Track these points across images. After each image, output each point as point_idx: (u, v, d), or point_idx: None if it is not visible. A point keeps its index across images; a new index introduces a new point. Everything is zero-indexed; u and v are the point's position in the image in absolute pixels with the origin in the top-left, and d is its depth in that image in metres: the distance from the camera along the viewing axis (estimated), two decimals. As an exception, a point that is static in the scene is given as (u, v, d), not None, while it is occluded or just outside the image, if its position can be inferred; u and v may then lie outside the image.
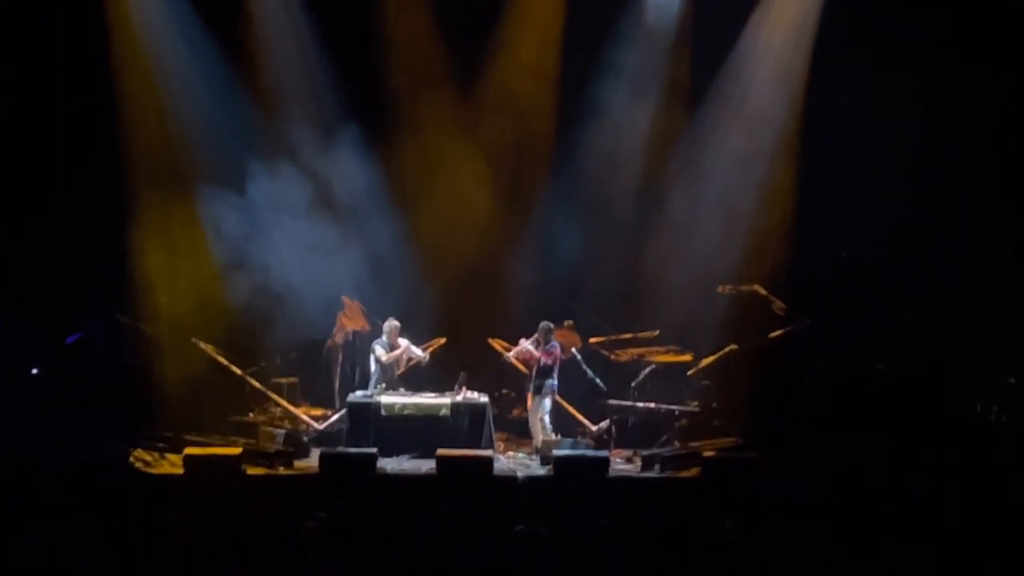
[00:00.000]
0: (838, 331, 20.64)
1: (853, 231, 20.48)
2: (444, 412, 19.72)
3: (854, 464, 17.94)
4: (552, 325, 20.24)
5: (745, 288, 21.62)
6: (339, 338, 22.04)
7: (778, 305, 21.42)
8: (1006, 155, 20.34)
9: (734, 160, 21.59)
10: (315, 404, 21.94)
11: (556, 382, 20.09)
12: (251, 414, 21.23)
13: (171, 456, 18.73)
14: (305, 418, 21.01)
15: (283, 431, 19.94)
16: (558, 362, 20.13)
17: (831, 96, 20.68)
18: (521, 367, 20.72)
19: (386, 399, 19.79)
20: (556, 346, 20.18)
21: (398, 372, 20.66)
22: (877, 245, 20.50)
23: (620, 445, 20.17)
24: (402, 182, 21.87)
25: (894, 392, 20.05)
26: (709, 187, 21.61)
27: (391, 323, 20.45)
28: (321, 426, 20.80)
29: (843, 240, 20.70)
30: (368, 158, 21.70)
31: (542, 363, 19.94)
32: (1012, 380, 20.12)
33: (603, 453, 18.87)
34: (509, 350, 21.02)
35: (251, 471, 18.12)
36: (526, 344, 20.06)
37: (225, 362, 21.00)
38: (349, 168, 21.59)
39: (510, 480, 18.13)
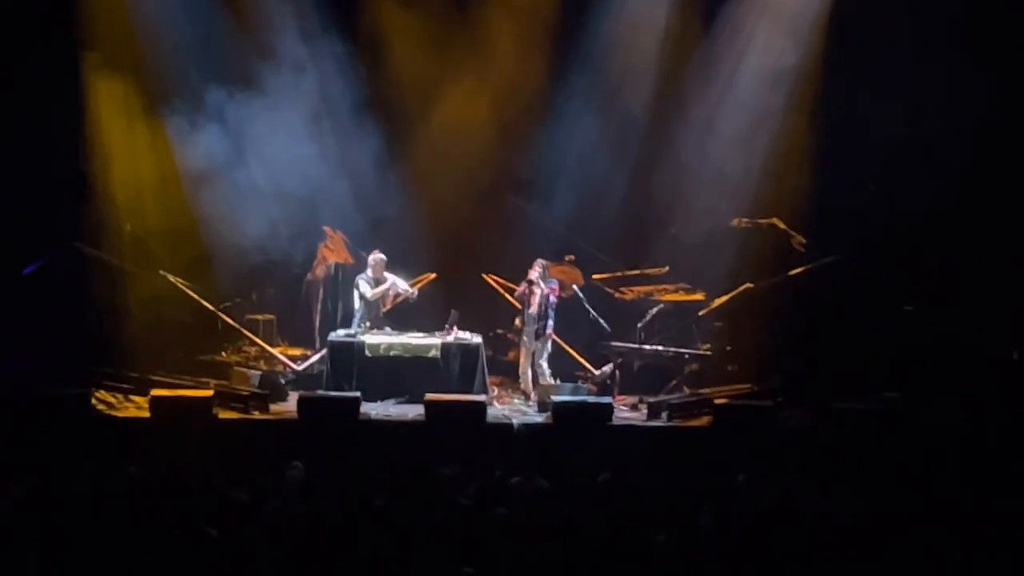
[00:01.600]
0: (863, 269, 20.54)
1: (882, 159, 20.27)
2: (433, 353, 19.62)
3: (877, 415, 17.93)
4: (546, 262, 20.10)
5: (763, 221, 21.48)
6: (320, 272, 21.94)
7: (798, 240, 21.30)
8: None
9: (750, 81, 21.29)
10: (293, 343, 21.86)
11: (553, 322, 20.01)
12: (224, 353, 21.17)
13: (136, 398, 18.73)
14: (282, 358, 20.91)
15: (258, 372, 19.87)
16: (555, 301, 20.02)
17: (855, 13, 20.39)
18: (515, 303, 20.56)
19: (370, 339, 19.69)
20: (555, 283, 20.06)
21: (384, 309, 20.56)
22: (908, 174, 20.23)
23: (624, 391, 20.08)
24: (390, 103, 21.57)
25: (923, 336, 19.97)
26: (722, 111, 21.34)
27: (376, 256, 20.28)
28: (300, 367, 20.71)
29: (871, 169, 20.51)
30: (353, 76, 21.37)
31: (550, 300, 19.80)
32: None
33: (606, 399, 18.83)
34: (504, 287, 20.93)
35: (223, 415, 18.11)
36: (534, 276, 19.85)
37: (196, 297, 20.88)
38: (332, 87, 21.32)
39: (505, 428, 18.10)
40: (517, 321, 20.22)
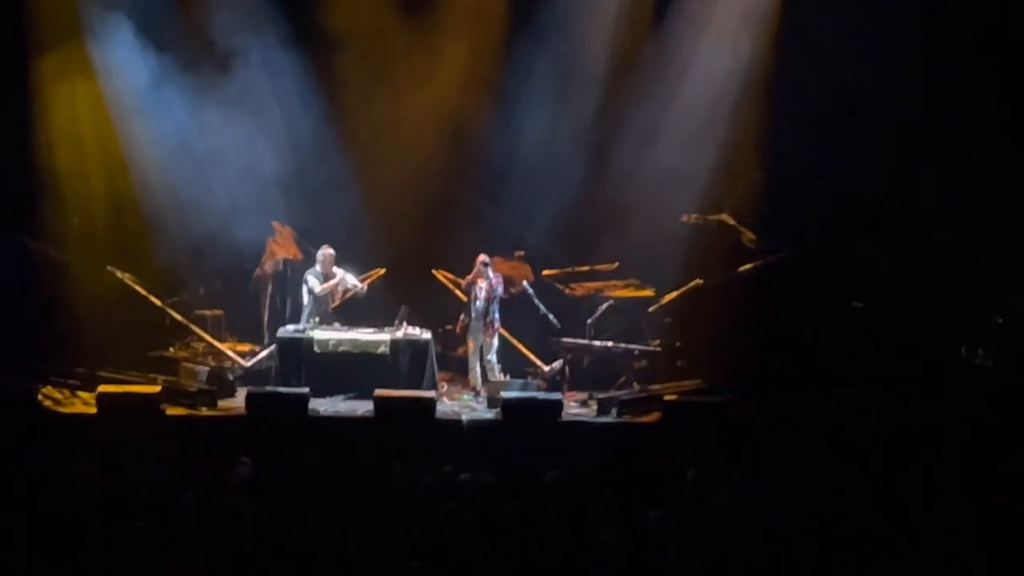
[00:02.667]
0: (813, 265, 20.63)
1: (831, 156, 20.35)
2: (383, 349, 19.63)
3: (825, 412, 18.03)
4: (488, 259, 20.10)
5: (712, 218, 21.52)
6: (268, 267, 21.83)
7: (748, 236, 21.37)
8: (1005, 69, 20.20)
9: (701, 76, 21.29)
10: (242, 339, 21.74)
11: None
12: (171, 349, 21.06)
13: (83, 394, 18.68)
14: (231, 354, 20.84)
15: (206, 368, 19.86)
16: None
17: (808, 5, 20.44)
18: (462, 297, 20.55)
19: (319, 334, 19.67)
20: (500, 277, 20.09)
21: (333, 305, 20.51)
22: (858, 172, 20.36)
23: (574, 387, 20.14)
24: (339, 96, 21.45)
25: (871, 333, 20.08)
26: (673, 107, 21.34)
27: (325, 251, 20.26)
28: (248, 363, 20.64)
29: (820, 167, 20.60)
30: (301, 68, 21.31)
31: (496, 292, 19.82)
32: (999, 320, 20.14)
33: (555, 396, 18.85)
34: (454, 282, 20.95)
35: (171, 411, 18.05)
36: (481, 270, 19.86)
37: (143, 291, 20.78)
38: (280, 79, 21.24)
39: (454, 424, 18.10)
40: (463, 316, 20.20)
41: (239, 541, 11.75)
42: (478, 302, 19.86)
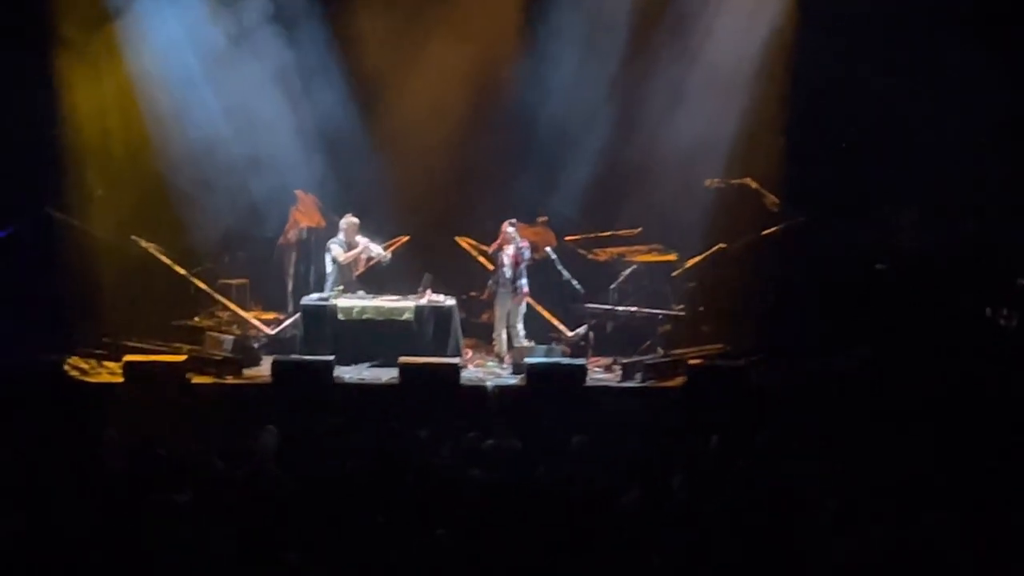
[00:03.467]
0: (836, 228, 20.56)
1: (854, 117, 20.28)
2: (407, 316, 19.63)
3: (849, 374, 17.99)
4: (516, 222, 20.07)
5: (735, 181, 21.44)
6: (292, 235, 21.89)
7: (771, 200, 21.30)
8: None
9: (724, 39, 21.17)
10: (266, 307, 21.84)
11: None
12: (197, 318, 21.12)
13: (109, 364, 18.73)
14: (255, 322, 20.90)
15: (231, 337, 19.92)
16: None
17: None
18: (489, 265, 20.54)
19: (343, 302, 19.68)
20: (527, 243, 20.06)
21: (356, 273, 20.51)
22: (880, 132, 20.27)
23: (598, 352, 20.14)
24: (362, 61, 21.45)
25: (895, 295, 20.03)
26: (696, 71, 21.24)
27: (349, 219, 20.24)
28: (273, 331, 20.72)
29: (843, 129, 20.53)
30: (325, 34, 21.32)
31: (524, 257, 19.80)
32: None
33: (580, 361, 18.85)
34: (478, 249, 20.95)
35: (196, 380, 18.13)
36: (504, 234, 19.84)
37: (168, 261, 20.87)
38: (303, 46, 21.23)
39: (479, 390, 18.12)
40: (490, 283, 20.19)
41: (265, 509, 11.77)
42: (505, 268, 19.83)
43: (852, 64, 19.90)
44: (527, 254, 19.85)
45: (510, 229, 19.81)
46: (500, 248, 19.86)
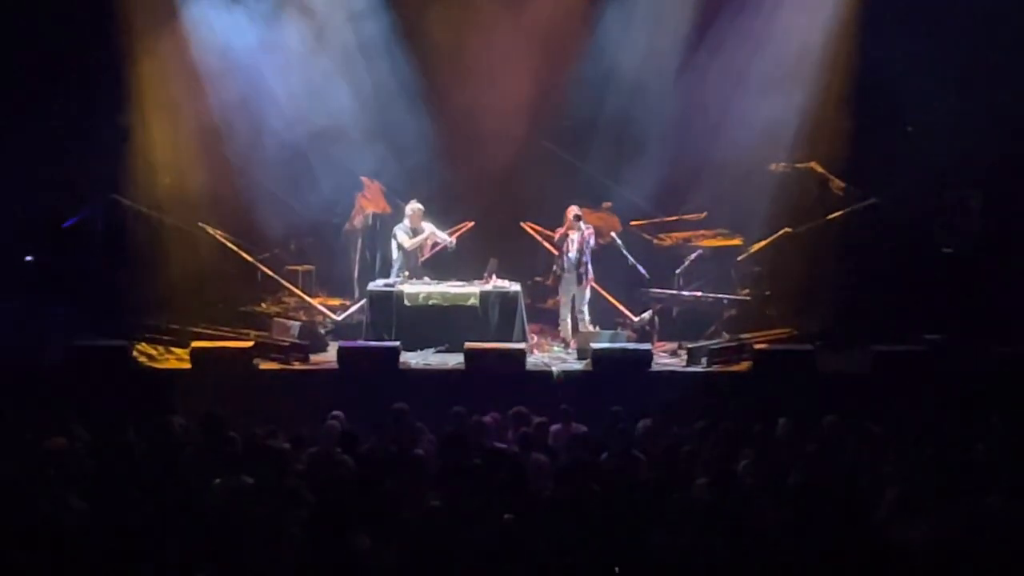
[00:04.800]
0: (902, 212, 20.43)
1: (922, 100, 20.11)
2: (472, 302, 19.61)
3: (918, 358, 17.88)
4: (579, 208, 20.01)
5: (801, 166, 21.31)
6: (358, 222, 21.93)
7: (836, 184, 21.14)
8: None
9: (789, 23, 21.01)
10: (332, 293, 21.90)
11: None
12: (263, 304, 21.22)
13: (177, 350, 18.88)
14: (322, 308, 20.95)
15: (298, 323, 19.95)
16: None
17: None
18: (553, 250, 20.49)
19: (409, 288, 19.68)
20: (591, 228, 20.00)
21: (422, 259, 20.52)
22: (949, 115, 20.11)
23: (664, 337, 20.11)
24: (427, 51, 21.47)
25: (962, 279, 19.88)
26: (761, 53, 21.10)
27: (414, 205, 20.23)
28: (339, 317, 20.76)
29: (910, 111, 20.37)
30: (388, 22, 21.34)
31: (589, 244, 19.74)
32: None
33: (645, 346, 18.82)
34: (542, 234, 20.92)
35: (263, 366, 18.24)
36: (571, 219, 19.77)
37: (235, 248, 20.91)
38: (366, 34, 21.27)
39: (545, 375, 18.10)
40: (555, 267, 20.14)
41: (332, 493, 11.80)
42: (570, 254, 19.78)
43: (918, 47, 19.69)
44: (592, 241, 19.78)
45: (575, 214, 19.73)
46: (565, 234, 19.79)
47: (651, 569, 10.30)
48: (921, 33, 19.76)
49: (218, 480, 12.21)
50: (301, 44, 20.99)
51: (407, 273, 20.02)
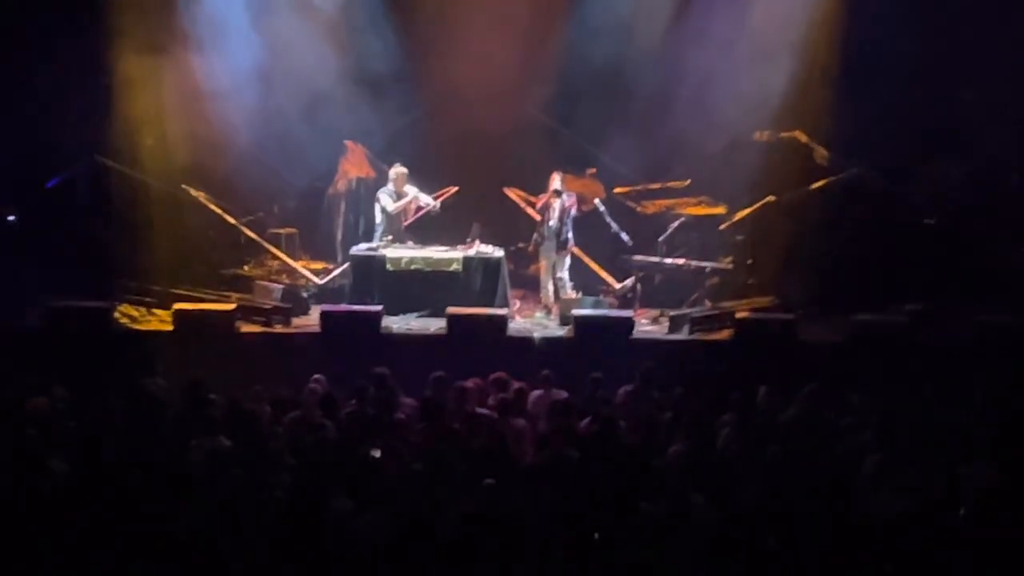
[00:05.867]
0: (885, 182, 20.47)
1: (905, 70, 20.12)
2: (455, 267, 19.61)
3: (896, 328, 17.94)
4: (563, 174, 20.00)
5: (784, 134, 21.30)
6: (341, 185, 21.93)
7: (820, 153, 21.15)
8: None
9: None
10: (315, 257, 21.90)
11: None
12: (246, 267, 21.21)
13: (159, 312, 18.86)
14: (304, 272, 20.95)
15: (280, 286, 19.93)
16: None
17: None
18: (535, 216, 20.48)
19: (392, 252, 19.67)
20: (573, 196, 19.97)
21: (405, 223, 20.48)
22: (930, 85, 20.13)
23: (646, 304, 20.08)
24: (411, 13, 21.39)
25: (943, 249, 19.93)
26: (747, 21, 21.04)
27: (398, 169, 20.20)
28: (322, 281, 20.75)
29: (893, 81, 20.37)
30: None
31: (571, 213, 19.72)
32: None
33: (627, 313, 18.87)
34: (526, 200, 20.91)
35: (245, 329, 18.26)
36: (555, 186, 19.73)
37: (218, 210, 20.90)
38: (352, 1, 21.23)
39: (526, 341, 18.14)
40: (535, 234, 20.13)
41: (313, 457, 11.84)
42: (551, 222, 19.75)
43: (902, 16, 19.67)
44: (573, 210, 19.75)
45: (555, 188, 19.69)
46: (548, 203, 19.76)
47: (631, 534, 10.33)
48: (906, 2, 19.75)
49: (195, 442, 12.25)
50: (286, 6, 20.85)
51: (390, 237, 20.00)
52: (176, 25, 20.32)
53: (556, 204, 19.65)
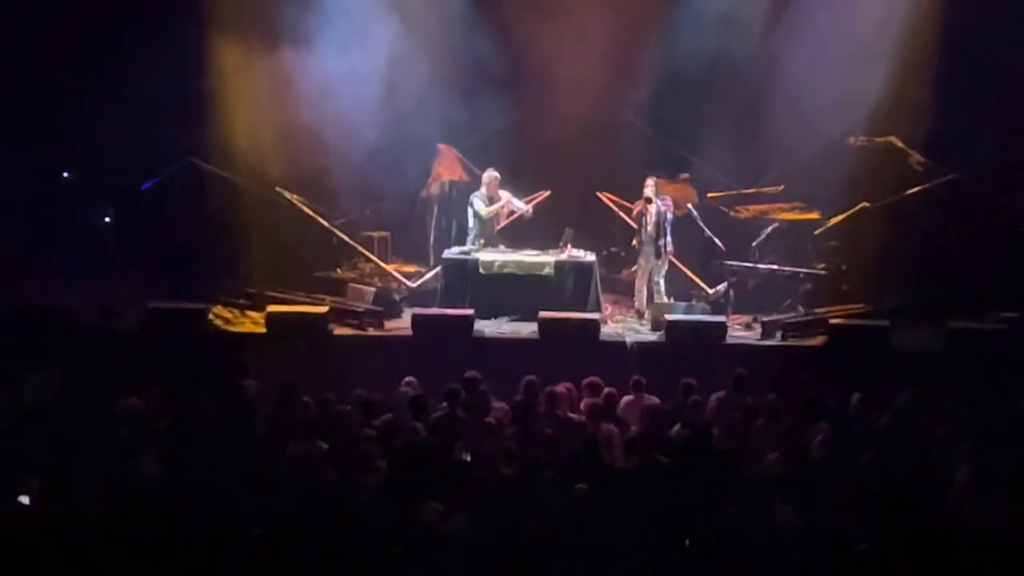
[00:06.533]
0: (983, 189, 20.28)
1: (1004, 75, 19.92)
2: (547, 271, 19.55)
3: (995, 335, 17.75)
4: (657, 179, 19.95)
5: (880, 140, 21.18)
6: (434, 189, 21.99)
7: (916, 159, 21.00)
8: None
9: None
10: (408, 260, 21.96)
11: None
12: (339, 270, 21.27)
13: (252, 313, 18.98)
14: (397, 275, 20.99)
15: (373, 289, 19.97)
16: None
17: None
18: (630, 222, 20.44)
19: (484, 256, 19.67)
20: (668, 200, 19.91)
21: (498, 227, 20.46)
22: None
23: (739, 310, 19.93)
24: (503, 17, 21.40)
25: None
26: (839, 24, 20.88)
27: (491, 173, 20.22)
28: (414, 284, 20.78)
29: (994, 85, 20.18)
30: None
31: (667, 218, 19.64)
32: None
33: (720, 318, 18.75)
34: (619, 204, 20.86)
35: (338, 331, 18.30)
36: (649, 193, 19.67)
37: (311, 213, 20.98)
38: (447, 5, 21.22)
39: (618, 346, 18.08)
40: (635, 240, 20.07)
41: (403, 460, 11.86)
42: (648, 228, 19.69)
43: (1002, 20, 19.47)
44: (669, 215, 19.66)
45: (646, 196, 19.63)
46: (642, 211, 19.69)
47: (722, 543, 10.28)
48: (1006, 5, 19.53)
49: (287, 444, 12.31)
50: (381, 11, 20.90)
51: (483, 241, 20.01)
52: (272, 28, 20.45)
53: (652, 210, 19.58)
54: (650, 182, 19.68)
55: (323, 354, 17.27)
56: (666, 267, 19.88)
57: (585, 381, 14.82)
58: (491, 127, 21.56)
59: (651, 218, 19.61)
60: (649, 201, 19.52)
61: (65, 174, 21.51)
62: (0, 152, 20.32)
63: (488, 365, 15.33)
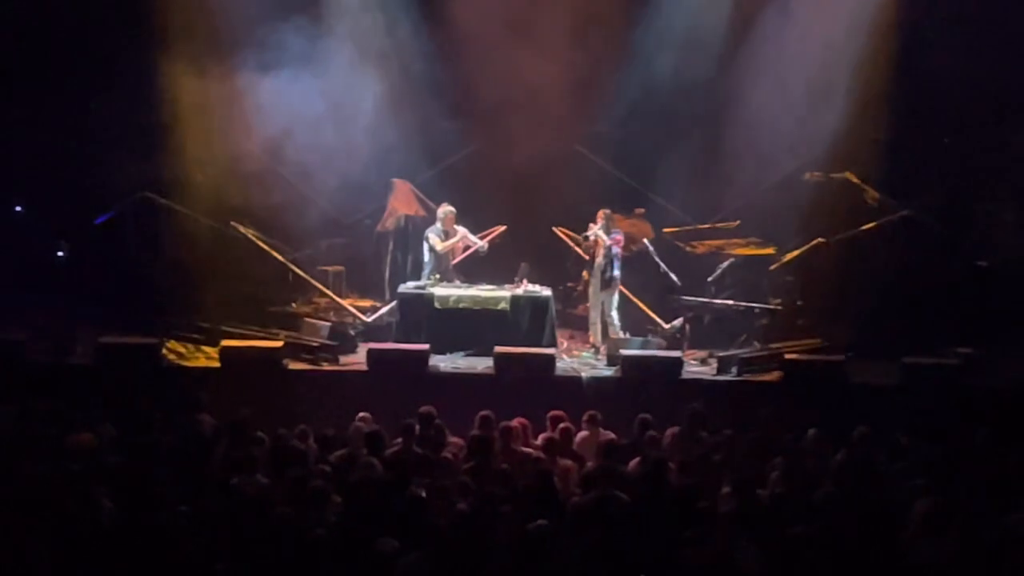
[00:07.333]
0: (937, 224, 20.40)
1: (962, 111, 20.07)
2: (503, 306, 19.58)
3: (949, 371, 17.82)
4: (610, 212, 19.99)
5: (835, 176, 21.28)
6: (390, 223, 21.99)
7: (871, 195, 21.12)
8: None
9: (825, 34, 20.91)
10: (363, 295, 21.90)
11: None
12: (294, 305, 21.20)
13: (207, 348, 18.90)
14: (352, 310, 20.95)
15: (328, 324, 19.91)
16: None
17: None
18: (583, 255, 20.48)
19: (440, 291, 19.66)
20: (619, 234, 19.93)
21: (453, 262, 20.49)
22: (985, 129, 20.06)
23: (694, 345, 19.97)
24: (458, 52, 21.40)
25: (997, 291, 19.81)
26: (796, 61, 21.01)
27: (446, 208, 20.24)
28: (369, 319, 20.74)
29: (946, 123, 20.32)
30: (421, 25, 21.36)
31: (613, 251, 19.69)
32: None
33: (675, 353, 18.78)
34: (575, 240, 20.89)
35: (293, 366, 18.25)
36: (595, 229, 19.74)
37: (266, 247, 20.93)
38: (402, 37, 21.29)
39: (574, 381, 18.07)
40: (584, 273, 20.13)
41: (358, 496, 11.81)
42: (598, 259, 19.74)
43: (955, 59, 19.61)
44: (616, 249, 19.69)
45: (603, 219, 19.68)
46: (595, 241, 19.73)
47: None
48: (959, 45, 19.67)
49: (240, 480, 12.25)
50: (334, 44, 20.91)
51: (438, 276, 20.01)
52: (227, 61, 20.42)
53: (600, 243, 19.63)
54: (601, 217, 19.71)
55: (277, 389, 17.23)
56: (617, 300, 19.89)
57: (550, 414, 14.81)
58: (446, 161, 21.60)
59: (599, 251, 19.65)
60: (595, 234, 19.56)
61: (17, 208, 21.36)
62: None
63: (444, 400, 15.29)
